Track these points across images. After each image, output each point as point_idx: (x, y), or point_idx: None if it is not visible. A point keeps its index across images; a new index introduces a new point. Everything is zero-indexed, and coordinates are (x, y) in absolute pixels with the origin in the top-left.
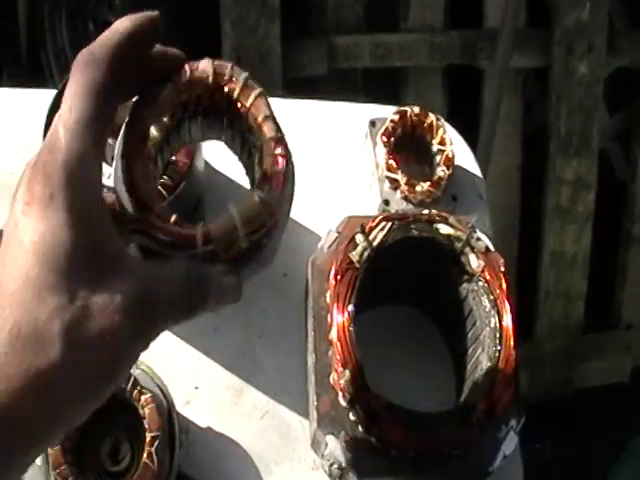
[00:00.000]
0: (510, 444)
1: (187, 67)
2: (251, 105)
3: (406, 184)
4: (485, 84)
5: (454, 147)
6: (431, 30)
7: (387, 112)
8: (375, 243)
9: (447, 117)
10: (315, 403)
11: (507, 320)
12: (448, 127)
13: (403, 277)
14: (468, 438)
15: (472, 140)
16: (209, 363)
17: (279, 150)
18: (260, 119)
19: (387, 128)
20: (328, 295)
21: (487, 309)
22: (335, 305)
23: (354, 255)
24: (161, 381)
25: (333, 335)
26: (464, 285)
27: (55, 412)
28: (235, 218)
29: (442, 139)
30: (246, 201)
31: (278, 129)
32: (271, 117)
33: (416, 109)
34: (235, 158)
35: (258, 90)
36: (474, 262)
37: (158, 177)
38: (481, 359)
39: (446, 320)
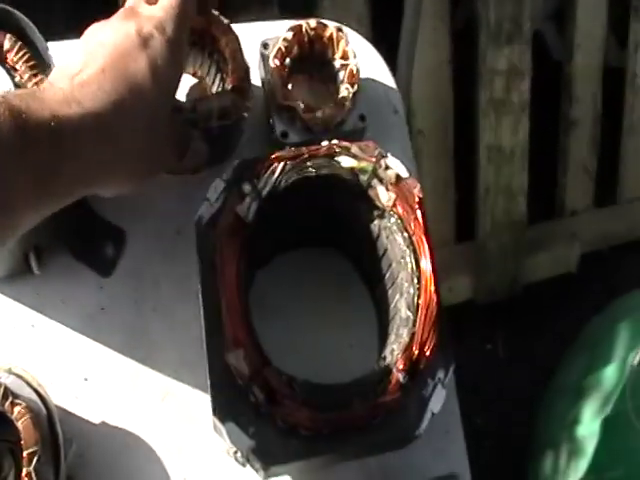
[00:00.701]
0: (438, 400)
1: None
2: (227, 42)
3: (304, 111)
4: None
5: (360, 59)
6: None
7: (282, 29)
8: (265, 192)
9: (371, 23)
10: (210, 388)
11: (425, 261)
12: (354, 36)
13: (311, 220)
14: (388, 405)
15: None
16: (98, 348)
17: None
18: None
19: (280, 49)
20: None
21: (402, 248)
22: (223, 273)
23: (241, 209)
24: (38, 383)
25: (223, 307)
26: (375, 222)
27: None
28: (214, 104)
29: (344, 52)
30: (224, 94)
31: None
32: (240, 51)
33: (312, 22)
34: None
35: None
36: (383, 195)
37: None
38: (399, 307)
39: (364, 263)
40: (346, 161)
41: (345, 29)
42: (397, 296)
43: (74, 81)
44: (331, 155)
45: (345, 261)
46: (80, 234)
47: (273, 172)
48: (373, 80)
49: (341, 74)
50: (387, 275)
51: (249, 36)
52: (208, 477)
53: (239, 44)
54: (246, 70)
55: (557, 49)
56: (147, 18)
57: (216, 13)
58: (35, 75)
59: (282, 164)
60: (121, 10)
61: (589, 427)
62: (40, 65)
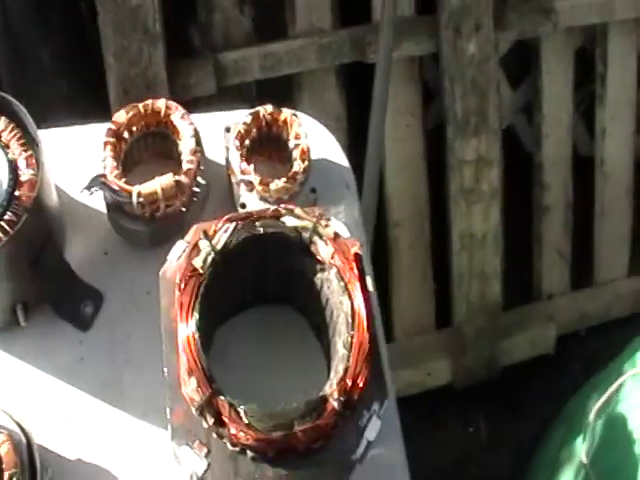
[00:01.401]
0: (373, 429)
1: None
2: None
3: (260, 184)
4: (375, 77)
5: (315, 141)
6: (320, 32)
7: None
8: (219, 246)
9: (347, 116)
10: (169, 416)
11: (358, 302)
12: (310, 122)
13: (264, 277)
14: (325, 429)
15: None
16: (77, 393)
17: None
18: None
19: (239, 131)
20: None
21: (339, 295)
22: (179, 314)
23: (197, 261)
24: (20, 418)
25: (179, 345)
26: (318, 275)
27: None
28: (157, 186)
29: (297, 133)
30: (166, 179)
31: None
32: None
33: (269, 107)
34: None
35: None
36: (323, 250)
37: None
38: (338, 348)
39: (313, 314)
40: (290, 221)
41: (300, 115)
42: (337, 338)
43: None
44: (277, 216)
45: (299, 317)
46: (62, 294)
47: (226, 230)
48: (327, 160)
49: (295, 153)
50: (331, 322)
51: (215, 124)
52: None
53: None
54: (195, 152)
55: (528, 140)
56: None
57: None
58: (25, 150)
59: (234, 224)
60: None
61: None
62: (30, 143)
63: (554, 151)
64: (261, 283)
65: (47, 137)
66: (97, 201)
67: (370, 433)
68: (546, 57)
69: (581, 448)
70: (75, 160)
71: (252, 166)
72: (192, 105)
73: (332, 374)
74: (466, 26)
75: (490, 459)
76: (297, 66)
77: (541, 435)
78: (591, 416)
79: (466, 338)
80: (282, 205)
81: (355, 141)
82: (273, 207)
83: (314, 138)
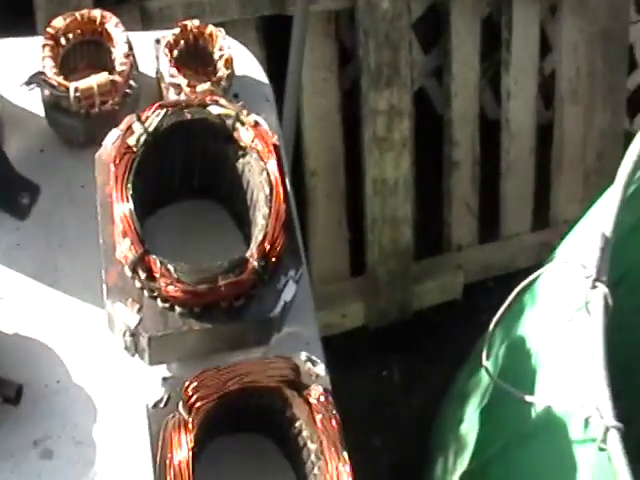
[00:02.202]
0: (289, 292)
1: None
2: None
3: (188, 86)
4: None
5: (238, 60)
6: None
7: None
8: (151, 128)
9: (267, 71)
10: (104, 278)
11: (275, 176)
12: (232, 41)
13: (191, 167)
14: (245, 286)
15: None
16: (14, 275)
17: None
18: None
19: (169, 41)
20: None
21: (259, 175)
22: (114, 186)
23: (131, 140)
24: None
25: (114, 212)
26: (240, 160)
27: None
28: (93, 82)
29: (221, 46)
30: (101, 77)
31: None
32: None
33: (196, 22)
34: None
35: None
36: (245, 135)
37: None
38: (258, 221)
39: (235, 203)
40: (215, 109)
41: (223, 32)
42: (257, 214)
43: None
44: (203, 105)
45: (223, 210)
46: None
47: (157, 115)
48: (249, 76)
49: (219, 63)
50: (251, 205)
51: (145, 41)
52: (101, 374)
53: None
54: (128, 55)
55: (439, 102)
56: None
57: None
58: None
59: (165, 109)
60: None
61: (470, 421)
62: None
63: (463, 110)
64: (188, 174)
65: None
66: (34, 103)
67: (287, 295)
68: (455, 22)
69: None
70: (13, 70)
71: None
72: None
73: (252, 242)
74: None
75: (404, 400)
76: (219, 16)
77: (451, 377)
78: (490, 327)
79: (379, 281)
80: (209, 97)
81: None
82: (200, 97)
83: (238, 57)
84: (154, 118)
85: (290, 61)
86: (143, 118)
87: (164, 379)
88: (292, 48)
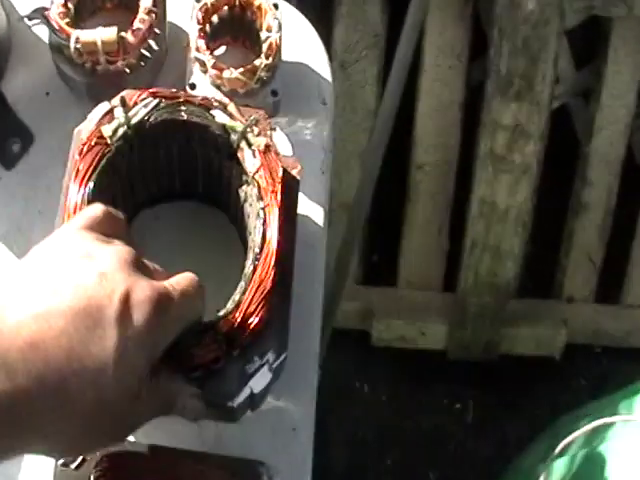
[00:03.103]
0: (261, 381)
1: None
2: None
3: (213, 67)
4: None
5: (300, 45)
6: None
7: None
8: (134, 120)
9: (387, 37)
10: None
11: (272, 233)
12: (299, 19)
13: (193, 171)
14: (202, 360)
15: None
16: None
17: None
18: None
19: (206, 4)
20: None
21: (255, 218)
22: (72, 181)
23: (106, 130)
24: None
25: (64, 212)
26: (243, 188)
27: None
28: (97, 37)
29: (269, 25)
30: (109, 32)
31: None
32: None
33: None
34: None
35: None
36: (249, 160)
37: None
38: (242, 276)
39: (238, 224)
40: (220, 116)
41: (284, 6)
42: (246, 264)
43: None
44: (207, 107)
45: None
46: None
47: (146, 105)
48: (307, 66)
49: (264, 46)
50: (249, 241)
51: None
52: None
53: None
54: (150, 12)
55: (582, 127)
56: (146, 283)
57: None
58: None
59: (157, 100)
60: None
61: None
62: None
63: (605, 148)
64: (190, 177)
65: None
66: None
67: (256, 384)
68: (615, 44)
69: (558, 471)
70: None
71: (221, 48)
72: None
73: (229, 302)
74: None
75: (471, 443)
76: None
77: (526, 439)
78: (575, 444)
79: (468, 310)
80: (219, 97)
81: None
82: (205, 95)
83: (300, 39)
84: (141, 108)
85: (402, 35)
86: (130, 103)
87: None
88: (407, 20)
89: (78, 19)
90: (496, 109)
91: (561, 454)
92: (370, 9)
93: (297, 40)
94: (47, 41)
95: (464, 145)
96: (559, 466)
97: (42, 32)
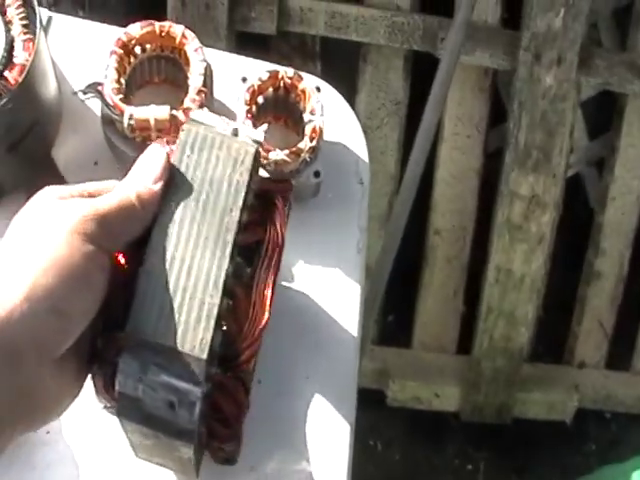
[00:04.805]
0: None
1: None
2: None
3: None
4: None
5: (339, 125)
6: (395, 9)
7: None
8: None
9: (408, 104)
10: None
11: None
12: (338, 101)
13: None
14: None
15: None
16: None
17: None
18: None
19: (252, 85)
20: None
21: None
22: None
23: None
24: None
25: None
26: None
27: None
28: (151, 115)
29: (313, 108)
30: (162, 111)
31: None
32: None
33: (290, 71)
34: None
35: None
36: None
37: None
38: None
39: None
40: None
41: (325, 87)
42: None
43: None
44: None
45: None
46: (39, 188)
47: None
48: (345, 146)
49: (307, 128)
50: None
51: (234, 69)
52: (95, 438)
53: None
54: (200, 92)
55: (595, 196)
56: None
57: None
58: (25, 33)
59: None
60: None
61: None
62: (33, 26)
63: (617, 217)
64: None
65: (68, 25)
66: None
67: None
68: (629, 119)
69: None
70: (92, 57)
71: (264, 126)
72: (249, 41)
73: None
74: (547, 55)
75: None
76: (364, 36)
77: None
78: None
79: (482, 374)
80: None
81: (411, 134)
82: None
83: (338, 120)
84: None
85: (427, 108)
86: None
87: None
88: (431, 95)
89: (128, 92)
90: (514, 180)
91: None
92: (392, 77)
93: (336, 120)
94: (97, 112)
95: (480, 211)
96: None
97: (92, 103)
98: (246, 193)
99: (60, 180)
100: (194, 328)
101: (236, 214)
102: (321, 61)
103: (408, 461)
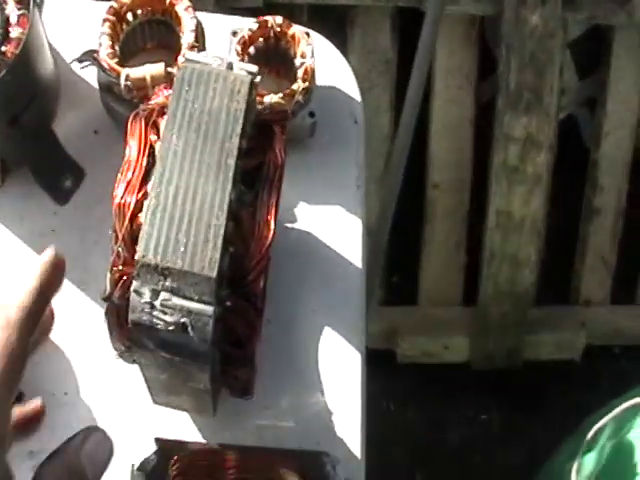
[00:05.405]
0: None
1: None
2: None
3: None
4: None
5: (329, 69)
6: None
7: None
8: None
9: (399, 65)
10: None
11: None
12: (327, 46)
13: None
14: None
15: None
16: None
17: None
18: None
19: (243, 37)
20: None
21: None
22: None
23: None
24: None
25: None
26: None
27: None
28: (146, 72)
29: (303, 52)
30: (157, 67)
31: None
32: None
33: (279, 19)
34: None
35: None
36: None
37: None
38: None
39: None
40: None
41: (314, 35)
42: None
43: None
44: None
45: None
46: (43, 162)
47: None
48: (337, 89)
49: (300, 72)
50: None
51: (224, 26)
52: (113, 395)
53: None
54: (192, 47)
55: (589, 135)
56: None
57: None
58: (20, 8)
59: None
60: None
61: None
62: (26, 3)
63: (612, 152)
64: None
65: (59, 4)
66: (95, 77)
67: None
68: (617, 52)
69: (589, 464)
70: (84, 33)
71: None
72: (239, 13)
73: None
74: None
75: (499, 453)
76: None
77: (553, 442)
78: (603, 436)
79: (489, 322)
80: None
81: (403, 93)
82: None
83: (330, 65)
84: None
85: (416, 61)
86: None
87: (156, 440)
88: (419, 47)
89: (122, 59)
90: (507, 123)
91: (589, 448)
92: (380, 37)
93: (326, 65)
94: (93, 83)
95: (476, 161)
96: (589, 460)
97: (88, 74)
98: (244, 121)
99: (62, 152)
100: (202, 249)
101: (236, 140)
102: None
103: (422, 418)
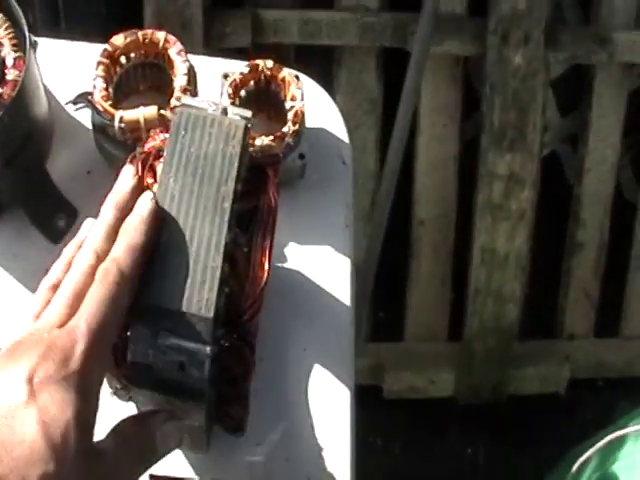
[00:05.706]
0: None
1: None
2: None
3: None
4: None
5: (317, 110)
6: (365, 10)
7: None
8: None
9: (384, 103)
10: None
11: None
12: (314, 88)
13: None
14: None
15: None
16: None
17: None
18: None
19: (234, 80)
20: None
21: None
22: None
23: None
24: None
25: None
26: None
27: None
28: (140, 115)
29: (293, 95)
30: (151, 109)
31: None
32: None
33: (269, 63)
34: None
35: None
36: None
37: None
38: None
39: None
40: None
41: (303, 78)
42: None
43: None
44: None
45: None
46: (37, 201)
47: None
48: (326, 131)
49: (290, 114)
50: None
51: (215, 70)
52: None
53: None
54: (185, 90)
55: (571, 171)
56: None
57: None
58: (16, 51)
59: None
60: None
61: None
62: (22, 45)
63: (594, 188)
64: None
65: (52, 47)
66: (88, 119)
67: None
68: (598, 89)
69: None
70: (77, 75)
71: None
72: (226, 56)
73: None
74: (514, 36)
75: None
76: (337, 39)
77: (541, 476)
78: (588, 468)
79: (475, 356)
80: None
81: (388, 131)
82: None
83: (318, 107)
84: None
85: (401, 100)
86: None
87: (151, 477)
88: (405, 87)
89: (115, 101)
90: (491, 161)
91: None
92: (366, 76)
93: (315, 107)
94: (87, 125)
95: (461, 198)
96: None
97: (81, 115)
98: (239, 164)
99: (55, 191)
100: (199, 290)
101: (231, 184)
102: (296, 69)
103: (409, 453)
